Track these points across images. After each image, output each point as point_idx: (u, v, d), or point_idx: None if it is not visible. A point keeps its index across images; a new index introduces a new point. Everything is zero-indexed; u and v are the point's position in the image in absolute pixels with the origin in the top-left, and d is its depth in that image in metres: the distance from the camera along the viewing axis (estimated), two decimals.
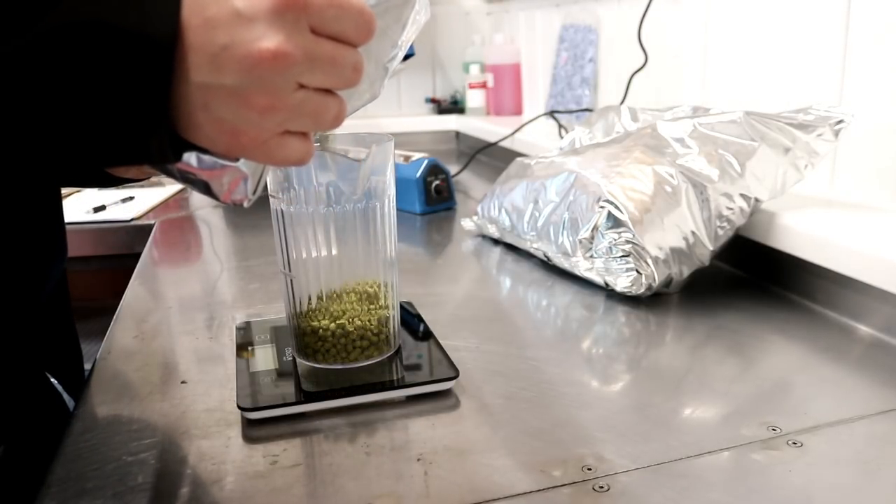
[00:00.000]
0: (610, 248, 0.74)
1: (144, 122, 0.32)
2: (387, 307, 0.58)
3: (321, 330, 0.56)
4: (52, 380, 0.61)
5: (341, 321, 0.56)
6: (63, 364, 0.65)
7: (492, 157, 1.54)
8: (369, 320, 0.57)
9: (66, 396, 0.62)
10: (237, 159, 0.39)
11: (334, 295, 0.56)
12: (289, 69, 0.33)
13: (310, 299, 0.56)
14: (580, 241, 0.76)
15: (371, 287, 0.57)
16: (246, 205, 0.41)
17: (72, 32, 0.30)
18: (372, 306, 0.57)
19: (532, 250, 0.87)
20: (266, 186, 0.44)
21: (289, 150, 0.35)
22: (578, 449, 0.48)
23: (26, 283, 0.57)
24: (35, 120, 0.32)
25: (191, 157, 0.38)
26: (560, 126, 1.40)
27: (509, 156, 1.24)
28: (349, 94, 0.44)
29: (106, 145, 0.33)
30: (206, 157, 0.38)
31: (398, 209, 0.61)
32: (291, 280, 0.56)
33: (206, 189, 0.40)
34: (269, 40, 0.32)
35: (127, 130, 0.32)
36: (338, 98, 0.36)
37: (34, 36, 0.30)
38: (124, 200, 1.28)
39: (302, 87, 0.34)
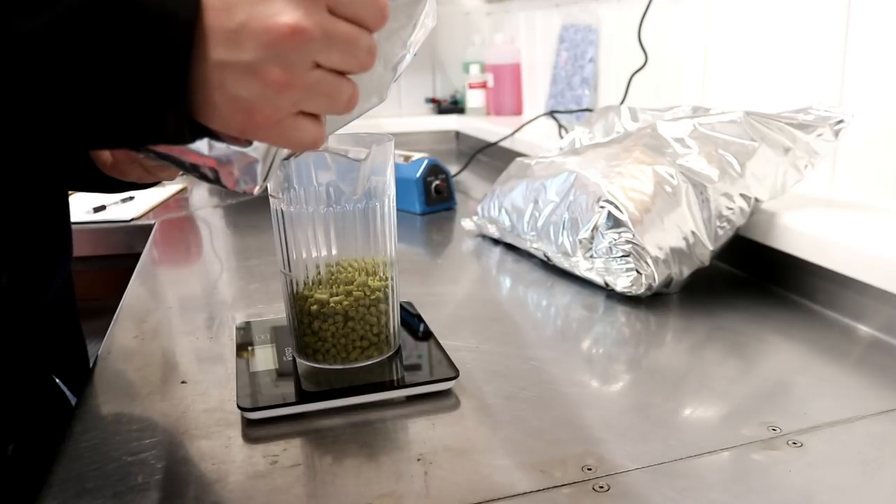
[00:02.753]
0: (610, 248, 0.74)
1: (163, 96, 0.33)
2: (387, 305, 0.58)
3: (321, 326, 0.56)
4: (57, 380, 0.61)
5: (338, 296, 0.56)
6: (69, 364, 0.65)
7: (492, 157, 1.54)
8: (366, 289, 0.56)
9: (69, 396, 0.62)
10: (249, 143, 0.39)
11: (332, 268, 0.56)
12: (306, 45, 0.33)
13: (307, 276, 0.56)
14: (580, 241, 0.76)
15: (369, 262, 0.57)
16: (256, 191, 0.41)
17: (94, 10, 0.31)
18: (370, 276, 0.57)
19: (532, 250, 0.87)
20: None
21: (302, 132, 0.36)
22: (578, 449, 0.48)
23: (32, 283, 0.58)
24: (56, 96, 0.32)
25: (202, 145, 0.39)
26: (560, 126, 1.40)
27: (509, 156, 1.24)
28: None
29: (124, 121, 0.33)
30: (217, 144, 0.39)
31: (398, 209, 0.61)
32: (291, 280, 0.56)
33: (215, 177, 0.40)
34: (287, 15, 0.33)
35: (145, 106, 0.33)
36: (351, 82, 0.37)
37: (57, 13, 0.31)
38: (124, 200, 1.28)
39: (318, 66, 0.35)
